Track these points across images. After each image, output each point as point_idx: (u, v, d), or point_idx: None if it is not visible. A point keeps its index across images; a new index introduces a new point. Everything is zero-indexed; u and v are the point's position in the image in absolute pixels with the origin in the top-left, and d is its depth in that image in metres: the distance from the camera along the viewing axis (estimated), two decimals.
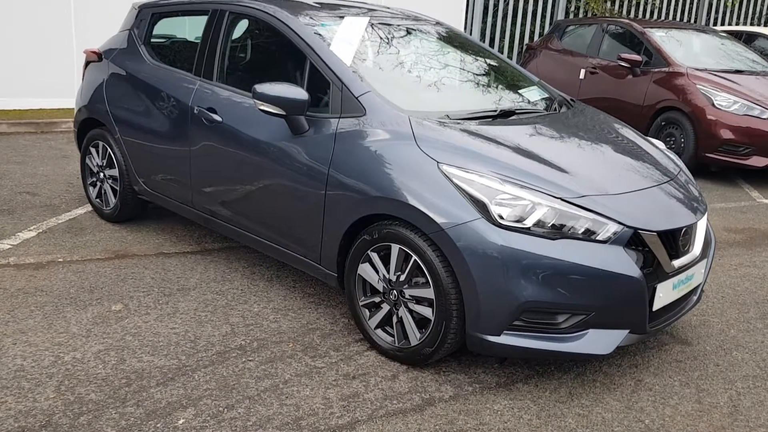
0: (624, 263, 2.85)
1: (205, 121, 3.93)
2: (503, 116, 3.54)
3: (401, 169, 3.06)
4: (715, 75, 7.69)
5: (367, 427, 2.72)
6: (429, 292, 2.99)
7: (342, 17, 3.89)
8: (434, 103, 3.51)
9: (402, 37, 4.00)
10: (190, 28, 4.35)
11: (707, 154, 7.35)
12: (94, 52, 4.99)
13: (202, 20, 4.22)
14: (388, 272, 3.14)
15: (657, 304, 3.01)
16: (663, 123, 7.83)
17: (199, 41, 4.21)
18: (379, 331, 3.25)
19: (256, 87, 3.35)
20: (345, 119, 3.33)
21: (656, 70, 8.09)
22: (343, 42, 3.61)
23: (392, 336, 3.20)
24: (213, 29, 4.12)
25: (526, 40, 12.35)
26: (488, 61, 4.26)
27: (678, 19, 14.52)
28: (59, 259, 4.29)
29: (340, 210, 3.27)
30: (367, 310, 3.30)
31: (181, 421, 2.70)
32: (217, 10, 4.14)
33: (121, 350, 3.22)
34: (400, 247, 3.06)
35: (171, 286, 3.96)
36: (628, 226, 2.89)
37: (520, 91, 4.03)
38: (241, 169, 3.78)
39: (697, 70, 7.79)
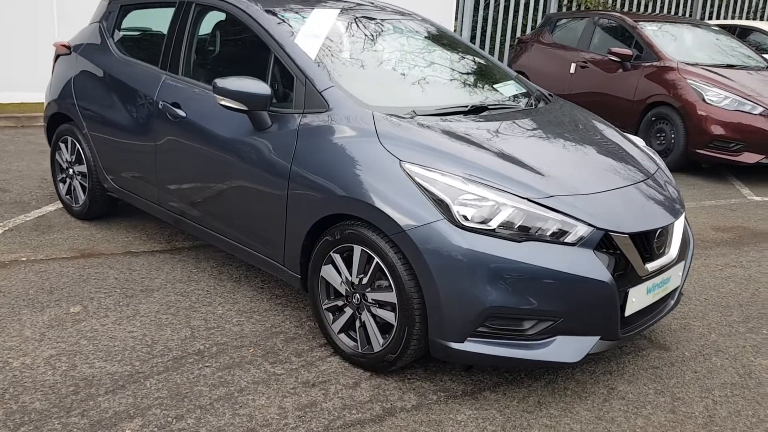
0: (593, 267, 2.72)
1: (169, 116, 3.79)
2: (475, 112, 3.40)
3: (363, 167, 2.93)
4: (707, 70, 7.55)
5: None
6: (391, 296, 2.86)
7: (312, 9, 3.75)
8: (403, 98, 3.37)
9: (378, 31, 3.86)
10: (158, 21, 4.20)
11: (698, 150, 7.21)
12: (63, 45, 4.85)
13: (170, 12, 4.08)
14: (351, 275, 3.01)
15: (629, 310, 2.88)
16: (653, 118, 7.69)
17: (165, 34, 4.07)
18: (342, 336, 3.13)
19: (217, 81, 3.22)
20: (308, 115, 3.20)
21: (647, 64, 7.95)
22: (309, 35, 3.47)
23: (355, 341, 3.07)
24: (179, 22, 3.98)
25: (519, 34, 12.18)
26: (467, 56, 4.11)
27: (673, 13, 14.36)
28: (22, 258, 4.16)
29: (302, 209, 3.14)
30: (330, 314, 3.17)
31: None
32: (183, 1, 4.00)
33: (73, 355, 3.09)
34: (362, 249, 2.93)
35: (134, 287, 3.83)
36: (598, 228, 2.76)
37: (496, 87, 3.89)
38: (204, 166, 3.65)
39: (688, 64, 7.64)
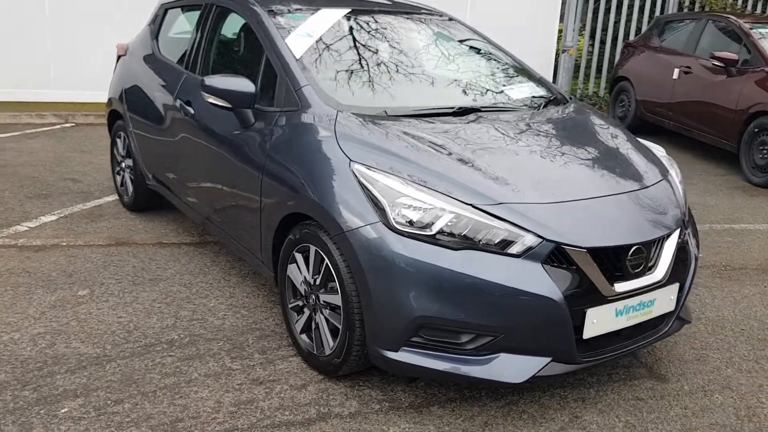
0: (539, 281, 2.50)
1: (184, 114, 3.94)
2: (462, 114, 3.24)
3: (318, 167, 2.88)
4: None
5: None
6: (337, 299, 2.79)
7: (319, 9, 3.74)
8: (380, 99, 3.28)
9: (384, 31, 3.78)
10: (191, 23, 4.38)
11: None
12: (122, 47, 5.18)
13: (197, 14, 4.25)
14: (309, 275, 2.97)
15: (590, 332, 2.62)
16: (756, 130, 6.97)
17: (191, 35, 4.23)
18: (303, 336, 3.09)
19: (205, 79, 3.30)
20: (284, 113, 3.20)
21: (756, 69, 7.21)
22: (301, 35, 3.47)
23: (312, 342, 3.03)
24: (202, 22, 4.13)
25: (633, 37, 11.47)
26: (481, 57, 3.94)
27: None
28: (63, 243, 4.47)
29: (271, 207, 3.15)
30: (294, 313, 3.14)
31: (64, 410, 2.69)
32: (208, 3, 4.14)
33: (57, 335, 3.28)
34: (316, 249, 2.88)
35: (145, 276, 4.00)
36: (547, 240, 2.53)
37: (505, 88, 3.69)
38: (205, 162, 3.76)
39: None
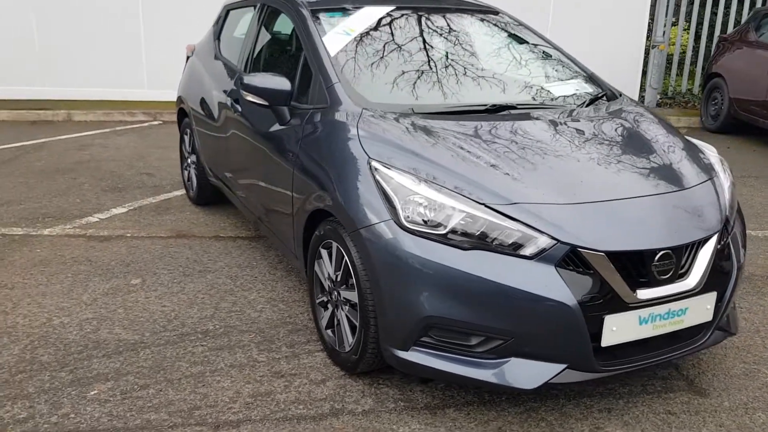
0: (552, 285, 2.41)
1: (233, 111, 4.06)
2: (494, 111, 3.17)
3: (339, 163, 2.90)
4: None
5: (251, 428, 2.62)
6: (355, 296, 2.80)
7: (362, 7, 3.76)
8: (409, 96, 3.24)
9: (428, 28, 3.74)
10: (248, 23, 4.50)
11: None
12: (191, 48, 5.39)
13: (252, 14, 4.36)
14: (332, 271, 2.99)
15: (609, 340, 2.50)
16: None
17: (245, 35, 4.35)
18: (328, 332, 3.12)
19: (244, 77, 3.38)
20: (316, 110, 3.23)
21: None
22: (339, 33, 3.50)
23: (335, 338, 3.05)
24: (256, 22, 4.24)
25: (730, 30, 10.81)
26: (527, 53, 3.83)
27: None
28: (127, 234, 4.71)
29: (301, 202, 3.19)
30: (321, 309, 3.17)
31: (93, 392, 2.83)
32: (262, 4, 4.24)
33: (103, 321, 3.46)
34: (338, 246, 2.90)
35: (196, 267, 4.15)
36: (562, 242, 2.43)
37: (549, 85, 3.57)
38: (250, 158, 3.85)
39: None
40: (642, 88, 10.58)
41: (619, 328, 2.50)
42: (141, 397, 2.81)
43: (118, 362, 3.07)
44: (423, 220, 2.53)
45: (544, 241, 2.44)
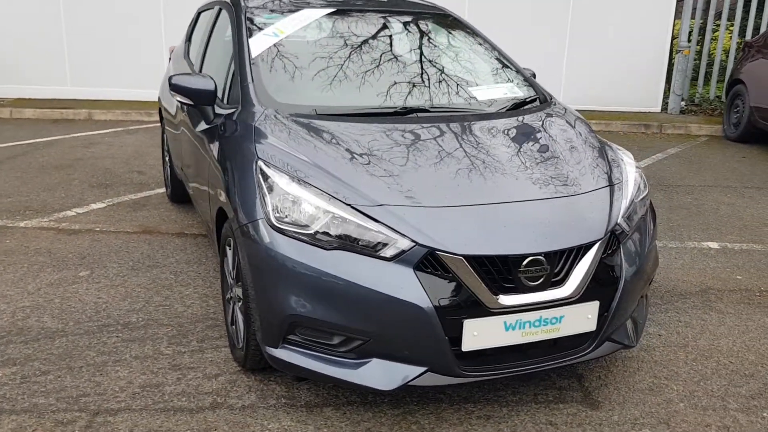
0: (407, 287, 2.40)
1: (182, 111, 4.17)
2: (402, 114, 3.17)
3: (238, 163, 2.95)
4: None
5: (127, 417, 2.70)
6: (241, 292, 2.85)
7: (300, 9, 3.81)
8: (316, 97, 3.27)
9: (361, 31, 3.76)
10: (206, 25, 4.61)
11: None
12: (172, 49, 5.55)
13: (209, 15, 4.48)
14: (231, 268, 3.05)
15: (469, 345, 2.47)
16: None
17: (202, 36, 4.47)
18: (233, 328, 3.17)
19: (171, 77, 3.48)
20: (232, 110, 3.30)
21: None
22: (268, 34, 3.56)
23: (234, 334, 3.10)
24: (210, 24, 4.34)
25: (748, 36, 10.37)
26: (462, 57, 3.80)
27: None
28: (96, 229, 4.89)
29: (213, 200, 3.26)
30: (229, 305, 3.23)
31: None
32: (217, 7, 4.35)
33: (37, 309, 3.60)
34: (234, 243, 2.95)
35: (146, 262, 4.28)
36: (420, 245, 2.42)
37: (475, 89, 3.53)
38: (190, 156, 3.97)
39: None
40: (666, 95, 10.28)
41: (481, 334, 2.47)
42: (38, 383, 2.92)
43: (32, 348, 3.20)
44: (292, 219, 2.56)
45: (404, 244, 2.44)
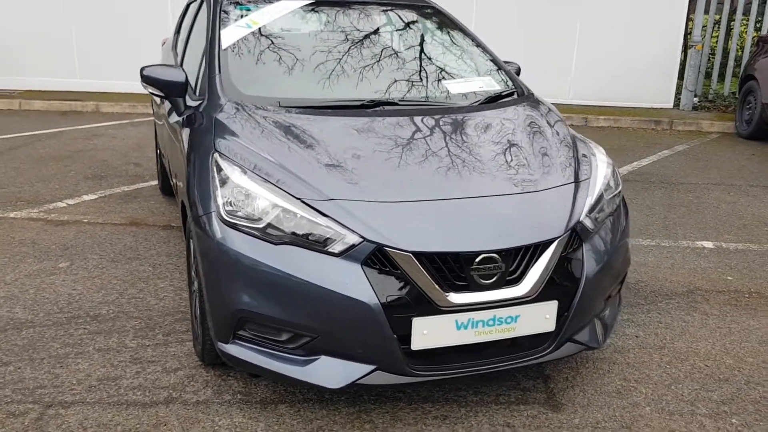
0: (353, 283, 2.35)
1: (162, 102, 4.15)
2: (368, 107, 3.11)
3: (194, 155, 2.92)
4: None
5: (79, 410, 2.68)
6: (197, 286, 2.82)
7: (275, 1, 3.76)
8: (282, 90, 3.22)
9: (336, 24, 3.70)
10: (190, 17, 4.59)
11: None
12: (164, 40, 5.55)
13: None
14: (193, 261, 3.02)
15: (418, 343, 2.41)
16: None
17: (185, 28, 4.44)
18: (196, 322, 3.14)
19: (143, 69, 3.45)
20: (200, 101, 3.27)
21: None
22: (241, 26, 3.52)
23: (196, 328, 3.07)
24: (193, 16, 4.32)
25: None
26: (440, 49, 3.73)
27: None
28: (84, 220, 4.90)
29: (179, 193, 3.24)
30: (194, 297, 3.20)
31: None
32: None
33: (10, 300, 3.61)
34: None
35: (127, 254, 4.27)
36: (368, 240, 2.37)
37: (449, 82, 3.46)
38: (167, 147, 3.94)
39: None
40: (678, 91, 10.07)
41: (431, 332, 2.41)
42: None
43: None
44: (245, 213, 2.52)
45: (352, 239, 2.38)
